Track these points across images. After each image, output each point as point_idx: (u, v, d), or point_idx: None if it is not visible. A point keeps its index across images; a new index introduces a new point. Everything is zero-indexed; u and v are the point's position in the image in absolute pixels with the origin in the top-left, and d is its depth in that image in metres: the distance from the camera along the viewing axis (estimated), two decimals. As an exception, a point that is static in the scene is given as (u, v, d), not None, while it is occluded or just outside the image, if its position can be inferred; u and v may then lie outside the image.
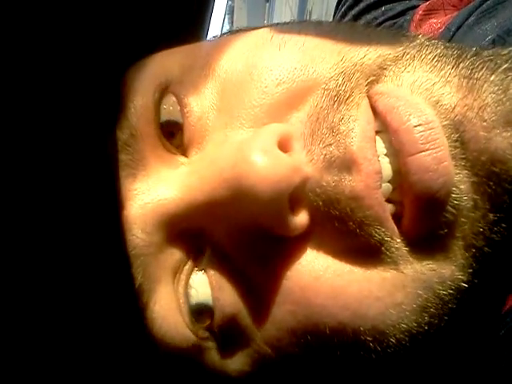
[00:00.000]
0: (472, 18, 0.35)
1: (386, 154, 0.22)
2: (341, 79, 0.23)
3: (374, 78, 0.23)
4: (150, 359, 0.24)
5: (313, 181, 0.22)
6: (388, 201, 0.22)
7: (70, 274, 0.23)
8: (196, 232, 0.24)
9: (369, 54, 0.24)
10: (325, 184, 0.21)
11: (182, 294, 0.24)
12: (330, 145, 0.22)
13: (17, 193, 0.22)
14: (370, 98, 0.23)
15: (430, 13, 0.39)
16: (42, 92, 0.23)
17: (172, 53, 0.27)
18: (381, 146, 0.22)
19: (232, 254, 0.23)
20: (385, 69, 0.23)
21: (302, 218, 0.22)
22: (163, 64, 0.26)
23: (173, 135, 0.25)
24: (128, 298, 0.23)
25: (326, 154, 0.22)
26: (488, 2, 0.35)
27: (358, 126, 0.22)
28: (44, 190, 0.23)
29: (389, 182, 0.22)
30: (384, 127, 0.22)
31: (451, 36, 0.35)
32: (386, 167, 0.22)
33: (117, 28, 0.27)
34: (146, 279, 0.23)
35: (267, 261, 0.23)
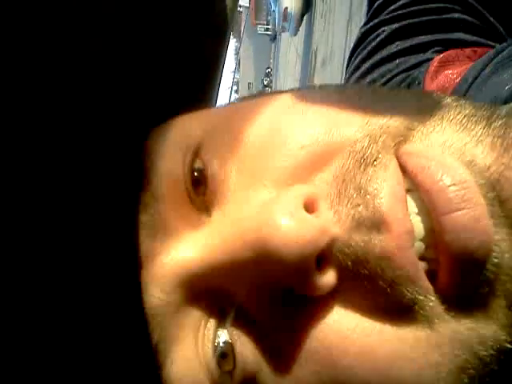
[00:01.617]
0: (488, 69, 0.35)
1: (417, 214, 0.21)
2: (367, 141, 0.22)
3: (402, 138, 0.23)
4: None
5: (341, 241, 0.21)
6: (421, 258, 0.21)
7: (87, 333, 0.23)
8: (217, 292, 0.24)
9: (394, 117, 0.23)
10: (353, 244, 0.21)
11: (209, 346, 0.23)
12: (358, 205, 0.21)
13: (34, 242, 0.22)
14: (398, 157, 0.22)
15: (444, 64, 0.39)
16: (70, 153, 0.24)
17: (192, 117, 0.28)
18: (412, 205, 0.21)
19: (255, 315, 0.23)
20: (412, 129, 0.23)
21: (329, 278, 0.21)
22: (185, 128, 0.27)
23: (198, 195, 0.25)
24: (143, 358, 0.23)
25: (354, 214, 0.21)
26: (503, 53, 0.35)
27: (386, 187, 0.21)
28: (67, 250, 0.23)
29: (421, 240, 0.21)
30: (415, 187, 0.21)
31: (469, 86, 0.36)
32: (418, 226, 0.21)
33: (138, 95, 0.28)
34: (162, 339, 0.23)
35: (291, 320, 0.22)
